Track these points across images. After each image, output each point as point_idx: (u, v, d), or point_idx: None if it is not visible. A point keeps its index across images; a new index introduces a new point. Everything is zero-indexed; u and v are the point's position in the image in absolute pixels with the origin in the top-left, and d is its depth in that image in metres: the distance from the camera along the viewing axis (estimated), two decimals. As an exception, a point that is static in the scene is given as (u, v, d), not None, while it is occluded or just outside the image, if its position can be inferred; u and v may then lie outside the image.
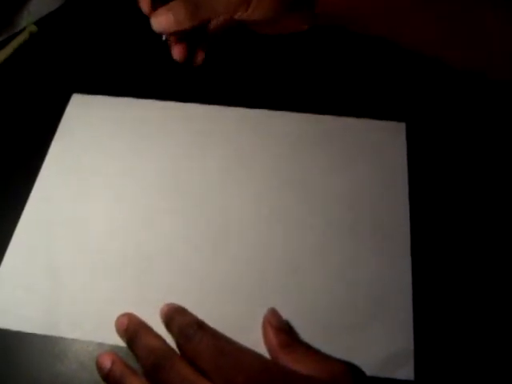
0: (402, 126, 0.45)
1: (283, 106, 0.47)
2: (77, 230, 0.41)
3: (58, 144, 0.45)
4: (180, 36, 0.42)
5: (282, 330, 0.34)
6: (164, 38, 0.42)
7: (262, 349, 0.34)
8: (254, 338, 0.35)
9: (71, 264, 0.39)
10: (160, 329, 0.35)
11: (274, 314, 0.36)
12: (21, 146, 0.46)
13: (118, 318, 0.36)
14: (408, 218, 0.41)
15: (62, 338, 0.37)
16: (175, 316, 0.34)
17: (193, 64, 0.45)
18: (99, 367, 0.34)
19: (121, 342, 0.35)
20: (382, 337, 0.36)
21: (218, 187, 0.43)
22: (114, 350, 0.35)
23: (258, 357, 0.32)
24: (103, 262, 0.39)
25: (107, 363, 0.33)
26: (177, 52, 0.43)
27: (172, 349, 0.33)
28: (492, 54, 0.41)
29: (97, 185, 0.43)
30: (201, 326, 0.33)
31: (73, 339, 0.37)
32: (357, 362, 0.34)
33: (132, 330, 0.35)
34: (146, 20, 0.53)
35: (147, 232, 0.41)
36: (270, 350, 0.34)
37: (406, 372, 0.35)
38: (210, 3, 0.39)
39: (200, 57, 0.45)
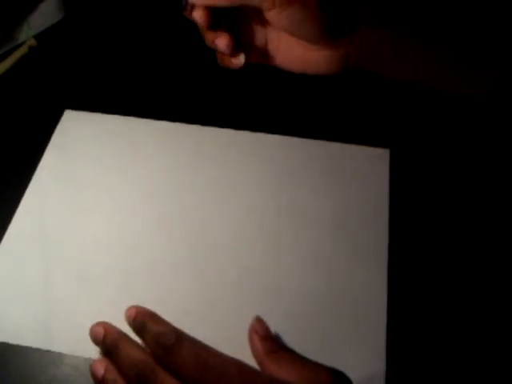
0: (386, 152, 0.46)
1: (270, 129, 0.48)
2: (65, 242, 0.42)
3: (48, 157, 0.47)
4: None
5: (267, 337, 0.35)
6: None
7: (245, 356, 0.33)
8: (237, 347, 0.34)
9: (59, 278, 0.40)
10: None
11: (259, 322, 0.36)
12: (12, 158, 0.47)
13: (92, 328, 0.34)
14: (386, 242, 0.42)
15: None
16: (148, 323, 0.32)
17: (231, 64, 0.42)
18: (93, 374, 0.33)
19: None
20: (355, 359, 0.37)
21: (205, 207, 0.44)
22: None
23: (242, 366, 0.31)
24: (90, 275, 0.40)
25: (100, 370, 0.33)
26: (199, 16, 0.38)
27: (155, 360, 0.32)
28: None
29: (86, 198, 0.44)
30: (178, 335, 0.32)
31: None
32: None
33: (111, 340, 0.34)
34: (142, 40, 0.55)
35: (133, 246, 0.42)
36: (255, 357, 0.34)
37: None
38: None
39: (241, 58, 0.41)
